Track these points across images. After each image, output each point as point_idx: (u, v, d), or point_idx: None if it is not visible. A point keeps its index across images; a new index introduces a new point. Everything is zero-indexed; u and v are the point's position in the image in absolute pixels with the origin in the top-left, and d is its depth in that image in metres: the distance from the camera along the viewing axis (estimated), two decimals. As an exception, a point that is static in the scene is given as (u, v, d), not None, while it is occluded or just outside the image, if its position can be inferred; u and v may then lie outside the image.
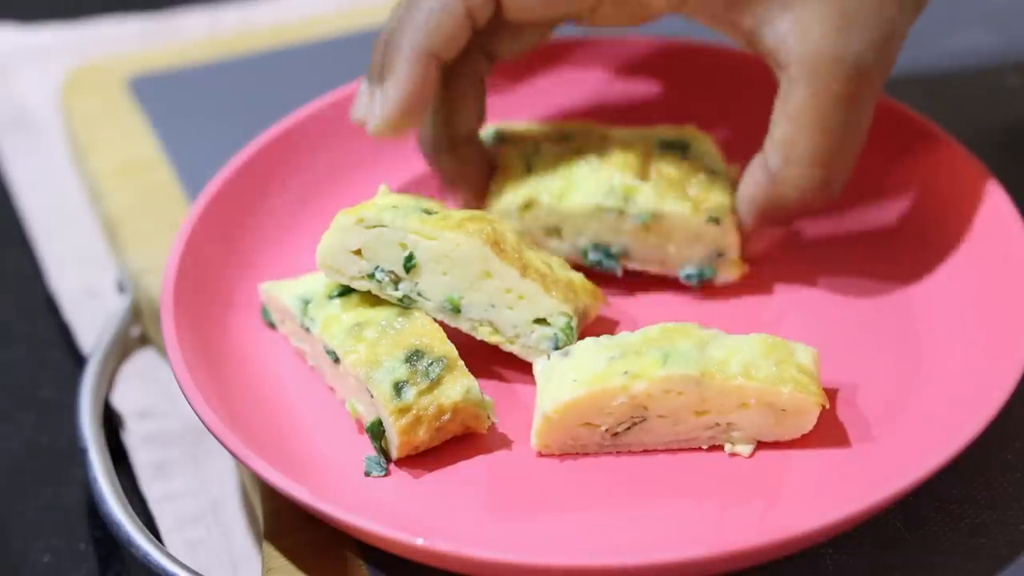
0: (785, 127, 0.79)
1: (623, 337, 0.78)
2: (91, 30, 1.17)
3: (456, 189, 0.88)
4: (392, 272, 0.80)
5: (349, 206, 0.82)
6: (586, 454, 0.78)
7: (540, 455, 0.78)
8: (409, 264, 0.80)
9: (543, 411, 0.76)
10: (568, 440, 0.77)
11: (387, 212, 0.80)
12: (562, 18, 0.84)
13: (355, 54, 1.09)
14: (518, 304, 0.80)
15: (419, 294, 0.80)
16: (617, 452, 0.78)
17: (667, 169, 0.85)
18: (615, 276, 0.85)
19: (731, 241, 0.83)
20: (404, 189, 0.91)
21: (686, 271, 0.84)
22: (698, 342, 0.77)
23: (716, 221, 0.82)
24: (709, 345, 0.77)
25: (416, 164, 0.95)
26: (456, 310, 0.81)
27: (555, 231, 0.84)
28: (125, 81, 1.09)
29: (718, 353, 0.76)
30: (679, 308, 0.85)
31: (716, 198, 0.83)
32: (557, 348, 0.80)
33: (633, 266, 0.85)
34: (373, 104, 0.82)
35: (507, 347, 0.81)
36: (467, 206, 0.87)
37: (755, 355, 0.76)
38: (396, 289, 0.80)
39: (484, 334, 0.81)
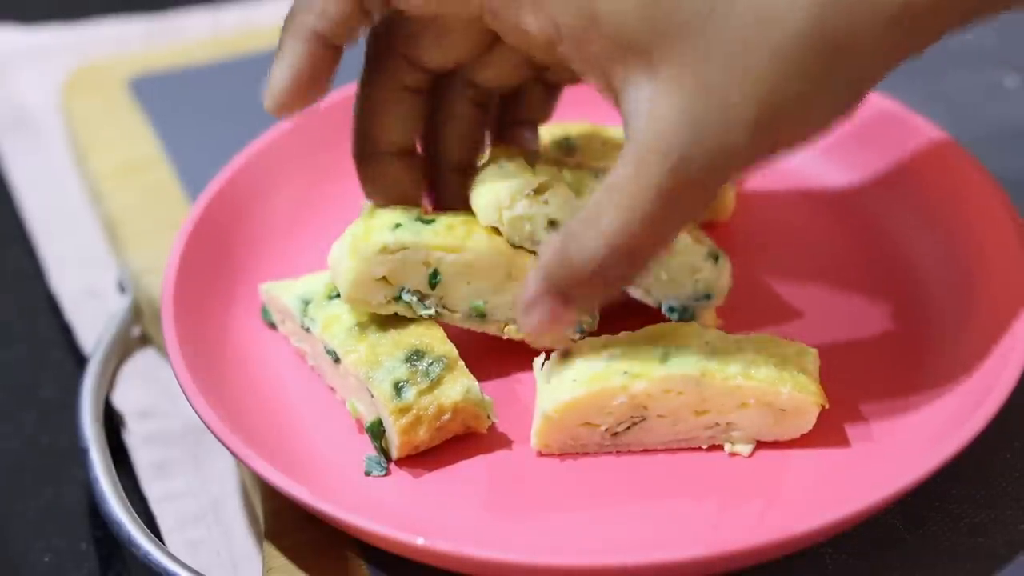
0: (599, 195, 0.72)
1: (623, 337, 0.78)
2: (92, 30, 1.17)
3: (373, 198, 0.83)
4: (418, 291, 0.80)
5: (349, 207, 0.82)
6: (586, 454, 0.78)
7: (540, 455, 0.78)
8: (434, 281, 0.80)
9: (543, 411, 0.76)
10: (568, 440, 0.77)
11: (404, 233, 0.79)
12: (454, 17, 0.77)
13: (355, 54, 1.09)
14: None
15: (444, 307, 0.80)
16: (617, 452, 0.78)
17: None
18: None
19: (723, 283, 0.82)
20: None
21: (670, 303, 0.82)
22: (698, 342, 0.77)
23: (715, 258, 0.82)
24: (709, 345, 0.77)
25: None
26: (482, 316, 0.81)
27: (555, 226, 0.80)
28: (125, 81, 1.09)
29: (718, 353, 0.76)
30: (679, 308, 0.85)
31: (712, 242, 0.83)
32: (582, 332, 0.80)
33: None
34: (267, 81, 0.78)
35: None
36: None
37: (755, 355, 0.76)
38: (425, 307, 0.80)
39: (511, 333, 0.81)
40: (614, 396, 0.76)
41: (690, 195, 0.71)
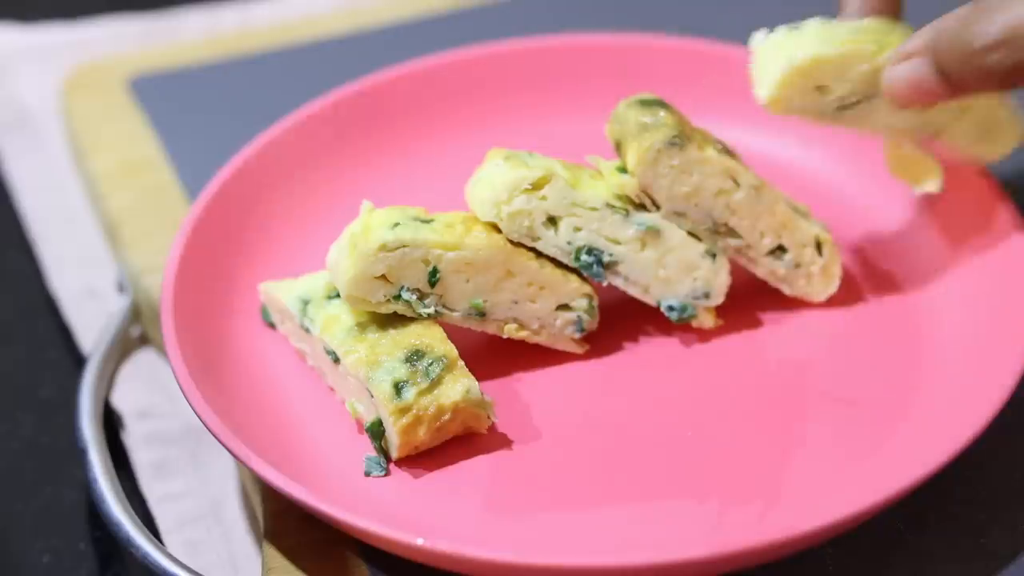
0: None
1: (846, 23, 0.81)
2: (91, 30, 1.17)
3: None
4: (417, 289, 0.80)
5: (349, 207, 0.82)
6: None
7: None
8: (434, 279, 0.80)
9: (793, 60, 0.78)
10: (797, 100, 0.79)
11: (403, 231, 0.79)
12: None
13: (355, 54, 1.09)
14: (540, 295, 0.81)
15: (444, 306, 0.80)
16: (835, 124, 0.81)
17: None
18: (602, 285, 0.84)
19: (721, 281, 0.82)
20: (397, 187, 0.91)
21: (669, 302, 0.83)
22: None
23: (712, 256, 0.82)
24: None
25: (410, 163, 0.95)
26: (481, 314, 0.81)
27: (553, 222, 0.81)
28: (125, 81, 1.09)
29: None
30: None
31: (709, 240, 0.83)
32: (582, 330, 0.81)
33: (618, 282, 0.82)
34: None
35: (533, 339, 0.82)
36: None
37: None
38: (425, 306, 0.80)
39: (511, 331, 0.81)
40: (862, 61, 0.78)
41: None
